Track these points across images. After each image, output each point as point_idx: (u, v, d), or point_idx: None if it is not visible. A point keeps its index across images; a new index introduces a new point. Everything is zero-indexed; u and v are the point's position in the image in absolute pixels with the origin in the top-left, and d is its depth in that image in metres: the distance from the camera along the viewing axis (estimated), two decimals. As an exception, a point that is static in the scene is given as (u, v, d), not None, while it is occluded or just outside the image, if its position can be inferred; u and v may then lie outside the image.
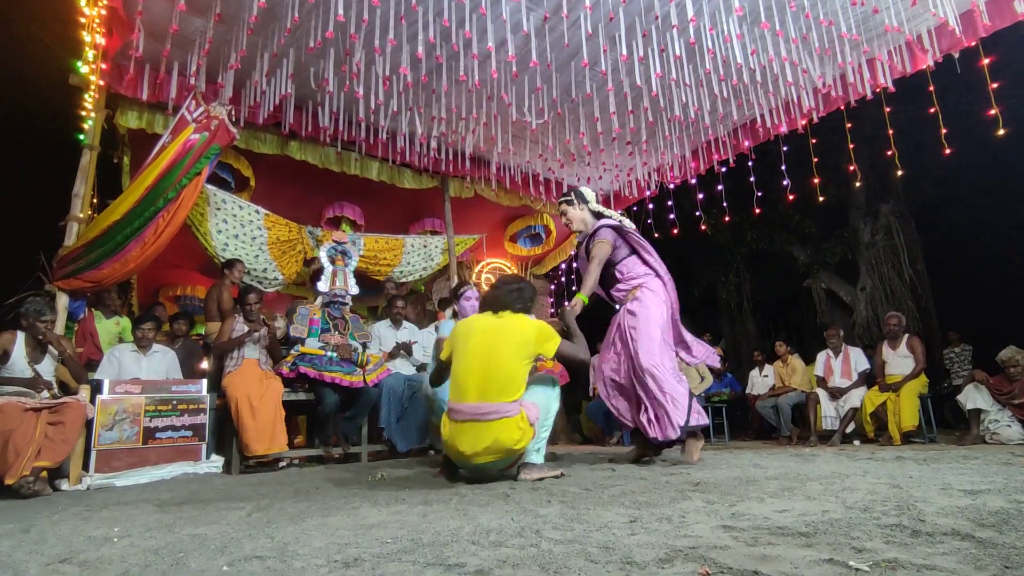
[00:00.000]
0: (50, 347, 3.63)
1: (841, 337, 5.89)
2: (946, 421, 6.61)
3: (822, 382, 5.81)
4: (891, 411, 5.13)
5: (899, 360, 5.40)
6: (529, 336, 2.68)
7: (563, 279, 9.18)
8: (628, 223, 3.58)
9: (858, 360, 5.73)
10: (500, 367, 2.59)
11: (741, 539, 1.33)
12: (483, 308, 2.89)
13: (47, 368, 3.63)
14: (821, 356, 5.94)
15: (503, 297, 2.83)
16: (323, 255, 5.00)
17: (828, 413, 5.65)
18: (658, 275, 3.45)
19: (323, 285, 4.82)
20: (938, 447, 4.54)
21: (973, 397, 4.87)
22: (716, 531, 1.43)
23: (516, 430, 2.52)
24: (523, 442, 2.56)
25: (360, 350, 4.62)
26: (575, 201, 3.59)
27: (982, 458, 3.06)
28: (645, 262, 3.48)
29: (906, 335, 5.52)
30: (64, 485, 3.39)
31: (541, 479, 2.58)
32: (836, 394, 5.60)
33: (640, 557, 1.21)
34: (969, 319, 8.56)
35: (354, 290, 4.95)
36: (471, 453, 2.52)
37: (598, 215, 3.58)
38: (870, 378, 5.65)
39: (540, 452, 2.75)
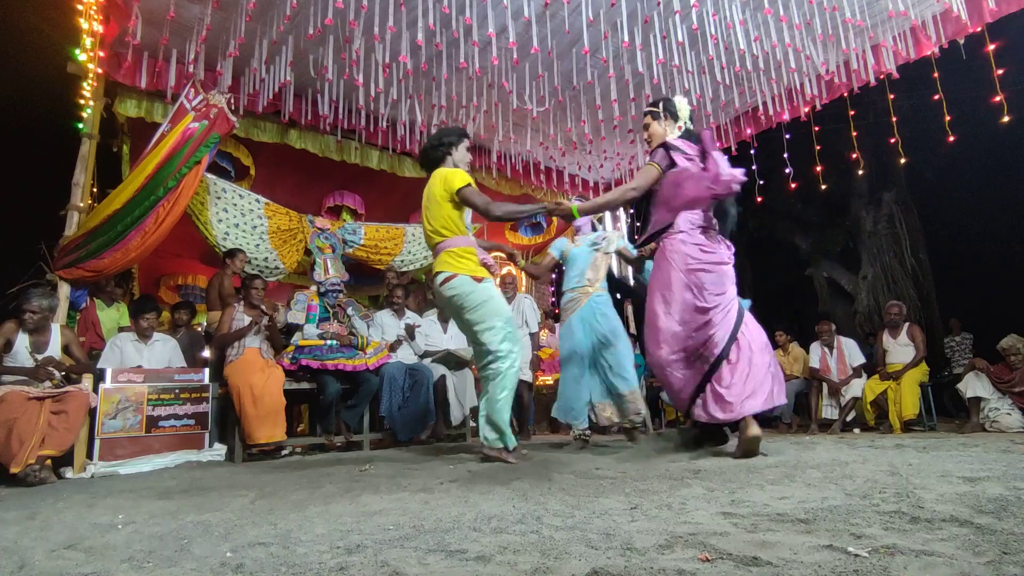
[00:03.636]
0: (53, 336, 3.64)
1: (833, 332, 5.86)
2: (946, 409, 6.61)
3: (815, 373, 5.81)
4: (891, 399, 5.13)
5: (900, 348, 5.41)
6: (439, 181, 3.12)
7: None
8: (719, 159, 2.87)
9: (852, 354, 5.71)
10: (433, 216, 3.14)
11: (741, 526, 1.34)
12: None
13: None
14: (815, 349, 5.91)
15: (425, 156, 3.32)
16: (311, 245, 5.05)
17: (829, 401, 5.66)
18: (694, 231, 2.87)
19: (317, 275, 4.86)
20: (938, 435, 4.56)
21: (973, 385, 4.87)
22: (716, 518, 1.43)
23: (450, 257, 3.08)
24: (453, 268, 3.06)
25: (359, 334, 4.69)
26: (661, 115, 3.12)
27: (982, 446, 3.07)
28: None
29: (907, 323, 5.52)
30: (68, 473, 3.41)
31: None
32: (834, 389, 5.59)
33: (640, 543, 1.22)
34: (970, 307, 8.55)
35: (345, 276, 4.97)
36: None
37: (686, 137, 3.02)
38: (870, 368, 5.66)
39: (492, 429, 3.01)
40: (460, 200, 3.07)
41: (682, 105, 3.17)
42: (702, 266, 2.84)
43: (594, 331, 3.87)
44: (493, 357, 3.00)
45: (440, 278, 3.08)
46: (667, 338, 2.81)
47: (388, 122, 5.54)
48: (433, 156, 3.26)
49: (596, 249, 4.02)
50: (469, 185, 3.06)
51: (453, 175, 3.09)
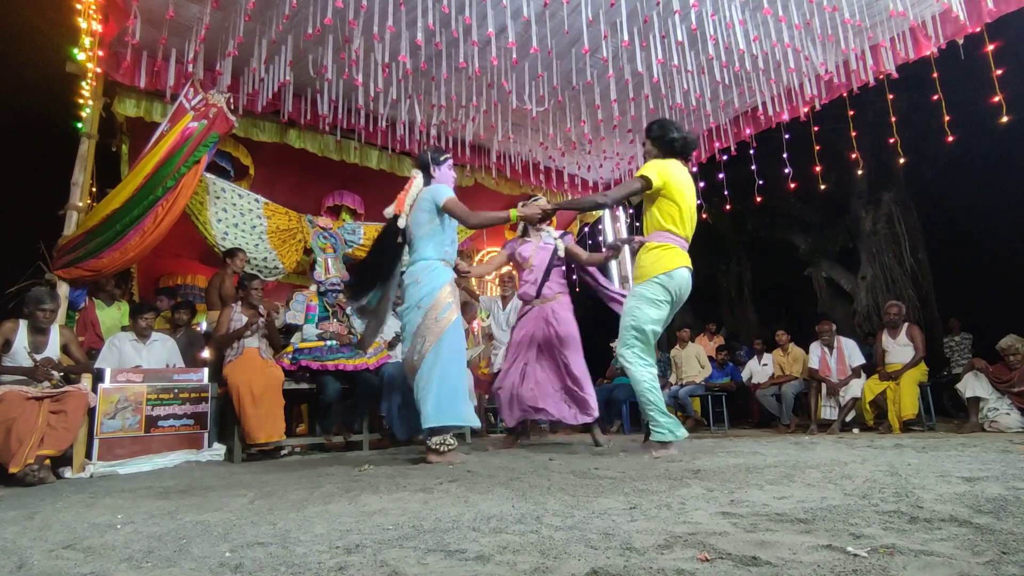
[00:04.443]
0: (52, 336, 3.63)
1: (833, 332, 5.86)
2: (945, 409, 6.62)
3: (814, 373, 5.82)
4: (891, 399, 5.14)
5: (899, 349, 5.41)
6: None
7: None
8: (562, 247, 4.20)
9: (852, 354, 5.71)
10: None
11: (740, 525, 1.34)
12: (666, 150, 3.21)
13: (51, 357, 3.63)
14: (815, 349, 5.90)
15: (689, 145, 3.25)
16: (313, 244, 5.05)
17: (828, 402, 5.67)
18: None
19: (317, 274, 4.86)
20: (937, 435, 4.56)
21: (972, 385, 4.88)
22: (715, 518, 1.43)
23: None
24: None
25: (359, 333, 4.68)
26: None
27: (980, 446, 3.08)
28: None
29: (906, 323, 5.52)
30: (67, 473, 3.41)
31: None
32: (834, 390, 5.59)
33: (640, 543, 1.22)
34: (969, 307, 8.56)
35: (345, 276, 4.98)
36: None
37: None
38: (869, 368, 5.66)
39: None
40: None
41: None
42: None
43: None
44: None
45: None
46: None
47: (387, 122, 5.54)
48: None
49: None
50: None
51: None
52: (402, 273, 3.34)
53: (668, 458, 2.78)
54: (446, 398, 2.97)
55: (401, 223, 3.29)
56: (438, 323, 3.05)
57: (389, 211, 3.39)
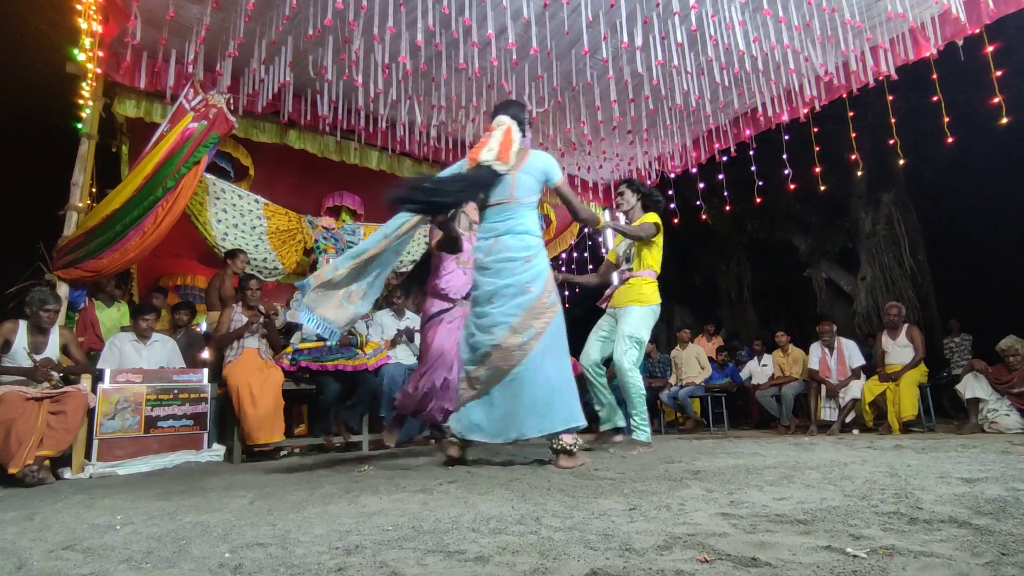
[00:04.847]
0: (52, 337, 3.63)
1: (834, 332, 5.86)
2: (945, 410, 6.63)
3: (814, 375, 5.81)
4: (890, 400, 5.14)
5: (899, 350, 5.41)
6: None
7: (563, 268, 9.15)
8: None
9: (852, 355, 5.70)
10: None
11: (740, 526, 1.34)
12: (650, 207, 3.89)
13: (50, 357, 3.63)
14: (815, 350, 5.90)
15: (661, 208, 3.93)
16: (316, 245, 5.06)
17: (827, 403, 5.67)
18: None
19: None
20: (937, 436, 4.56)
21: (972, 386, 4.87)
22: (715, 519, 1.43)
23: None
24: None
25: (358, 333, 4.68)
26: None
27: (980, 447, 3.08)
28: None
29: (906, 324, 5.52)
30: (67, 474, 3.41)
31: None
32: (833, 392, 5.59)
33: (639, 544, 1.22)
34: (969, 308, 8.56)
35: None
36: None
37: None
38: (869, 369, 5.66)
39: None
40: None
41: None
42: None
43: None
44: None
45: None
46: None
47: (387, 122, 5.54)
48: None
49: None
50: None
51: None
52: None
53: (645, 452, 3.35)
54: (571, 394, 2.71)
55: (502, 169, 2.86)
56: (549, 310, 2.72)
57: (491, 160, 2.86)
